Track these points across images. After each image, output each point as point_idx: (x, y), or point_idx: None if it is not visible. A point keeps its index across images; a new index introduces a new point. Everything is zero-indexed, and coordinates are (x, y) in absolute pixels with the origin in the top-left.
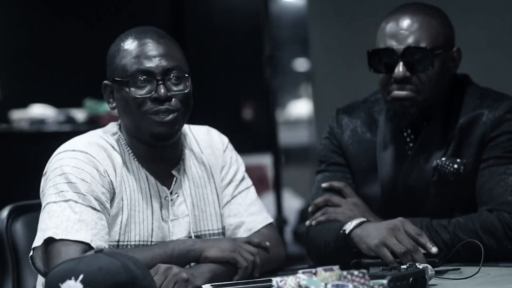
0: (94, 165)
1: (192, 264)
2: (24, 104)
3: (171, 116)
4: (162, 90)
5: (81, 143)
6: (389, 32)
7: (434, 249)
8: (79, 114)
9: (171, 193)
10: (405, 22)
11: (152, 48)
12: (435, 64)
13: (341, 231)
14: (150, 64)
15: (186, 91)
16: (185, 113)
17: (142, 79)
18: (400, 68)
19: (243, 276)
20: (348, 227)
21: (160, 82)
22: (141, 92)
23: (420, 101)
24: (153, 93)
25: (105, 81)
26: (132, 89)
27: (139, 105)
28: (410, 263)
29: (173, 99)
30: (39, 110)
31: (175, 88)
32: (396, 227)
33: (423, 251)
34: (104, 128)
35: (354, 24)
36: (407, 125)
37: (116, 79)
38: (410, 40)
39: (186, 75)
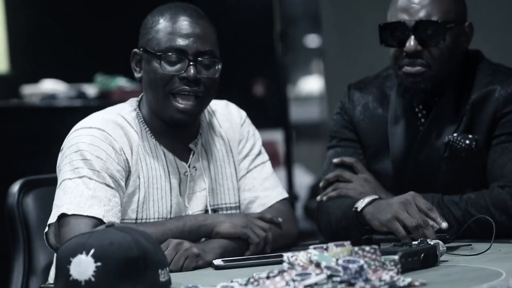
0: (110, 143)
1: (203, 239)
2: (35, 79)
3: (194, 102)
4: (192, 71)
5: (98, 120)
6: (401, 6)
7: (444, 224)
8: (90, 89)
9: (189, 167)
10: None
11: (188, 27)
12: (446, 38)
13: (353, 209)
14: (184, 43)
15: (215, 77)
16: (208, 100)
17: (174, 56)
18: (411, 42)
19: (254, 252)
20: (360, 204)
21: (192, 63)
22: (170, 69)
23: (431, 76)
24: (182, 72)
25: (136, 50)
26: (163, 64)
27: (166, 82)
28: (421, 239)
29: (201, 84)
30: (50, 85)
31: (205, 72)
32: (408, 201)
33: (435, 226)
34: (123, 104)
35: (365, 0)
36: (419, 101)
37: (148, 50)
38: (422, 14)
39: (218, 60)
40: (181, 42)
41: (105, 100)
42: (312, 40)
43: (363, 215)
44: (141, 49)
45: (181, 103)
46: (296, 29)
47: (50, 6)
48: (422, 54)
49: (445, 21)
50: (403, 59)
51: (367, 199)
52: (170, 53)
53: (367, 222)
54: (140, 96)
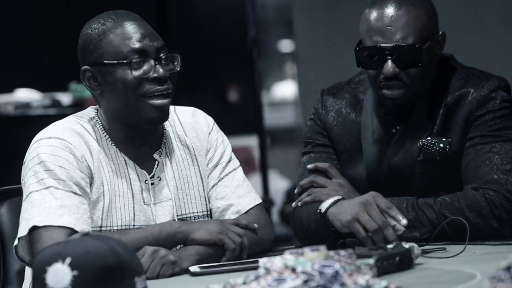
0: (71, 151)
1: (179, 246)
2: (9, 88)
3: (167, 99)
4: (161, 70)
5: (56, 129)
6: (376, 28)
7: (404, 221)
8: (65, 98)
9: (152, 177)
10: (390, 15)
11: (139, 28)
12: (424, 58)
13: (318, 211)
14: (143, 43)
15: (177, 69)
16: (173, 95)
17: (138, 58)
18: (389, 65)
19: (230, 258)
20: (324, 206)
21: (156, 62)
22: (137, 73)
23: (411, 95)
24: (150, 73)
25: (85, 67)
26: (128, 70)
27: (135, 86)
28: (397, 242)
29: (169, 80)
30: (24, 94)
31: (167, 67)
32: (368, 202)
33: (398, 227)
34: (81, 113)
35: (338, 5)
36: (399, 120)
37: (105, 62)
38: (398, 37)
39: (177, 54)
40: (139, 44)
41: (80, 108)
42: (285, 46)
43: (327, 216)
44: (94, 64)
45: (156, 102)
46: (269, 35)
47: (23, 15)
48: (400, 76)
49: (421, 41)
50: (381, 82)
51: (330, 200)
52: (133, 57)
53: (331, 223)
54: (97, 105)
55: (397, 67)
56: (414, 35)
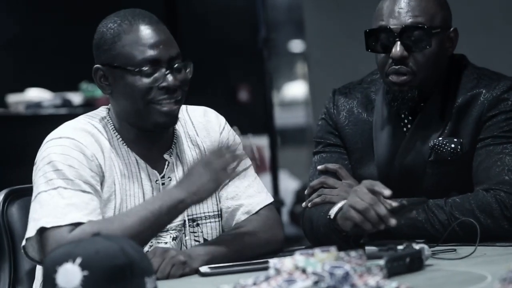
0: (81, 150)
1: (187, 237)
2: (20, 88)
3: (177, 106)
4: (171, 80)
5: (67, 129)
6: (386, 11)
7: (386, 192)
8: (75, 98)
9: (163, 177)
10: (403, 1)
11: (154, 34)
12: (432, 43)
13: (327, 217)
14: (155, 52)
15: (189, 78)
16: (183, 101)
17: (149, 68)
18: (397, 47)
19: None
20: (333, 211)
21: (168, 71)
22: (148, 81)
23: (417, 83)
24: (160, 82)
25: (97, 65)
26: (138, 77)
27: (145, 93)
28: (407, 243)
29: (180, 88)
30: (35, 94)
31: (179, 76)
32: (358, 187)
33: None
34: (92, 112)
35: (349, 4)
36: (406, 108)
37: (118, 65)
38: (408, 19)
39: (189, 62)
40: (152, 52)
41: (91, 108)
42: (296, 45)
43: (337, 221)
44: (106, 65)
45: (165, 109)
46: (280, 35)
47: (34, 14)
48: (408, 61)
49: (431, 26)
50: (390, 66)
51: (339, 205)
52: (144, 65)
53: (341, 228)
54: (109, 104)
55: (405, 51)
56: (425, 18)
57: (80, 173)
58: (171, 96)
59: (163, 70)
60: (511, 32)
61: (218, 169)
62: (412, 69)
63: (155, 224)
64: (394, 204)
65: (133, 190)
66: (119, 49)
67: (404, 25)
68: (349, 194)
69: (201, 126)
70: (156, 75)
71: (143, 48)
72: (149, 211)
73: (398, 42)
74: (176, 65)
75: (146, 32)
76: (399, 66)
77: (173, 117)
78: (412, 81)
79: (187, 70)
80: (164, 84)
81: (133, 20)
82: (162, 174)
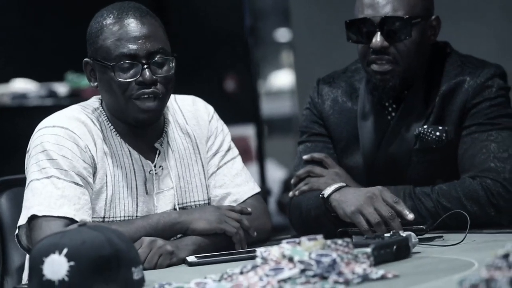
0: (75, 141)
1: (178, 236)
2: (5, 79)
3: (156, 102)
4: (148, 74)
5: (61, 118)
6: (367, 1)
7: (410, 216)
8: (61, 88)
9: (154, 166)
10: None
11: (135, 29)
12: (413, 33)
13: (320, 195)
14: (134, 47)
15: (170, 74)
16: (167, 97)
17: (126, 63)
18: (378, 38)
19: (239, 242)
20: (327, 191)
21: (146, 66)
22: (125, 76)
23: (399, 72)
24: (138, 76)
25: (86, 59)
26: (117, 73)
27: (124, 89)
28: (393, 231)
29: (158, 83)
30: (21, 85)
31: (160, 71)
32: (374, 195)
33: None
34: (86, 103)
35: None
36: (388, 97)
37: (99, 60)
38: (387, 9)
39: (171, 57)
40: (130, 47)
41: (77, 98)
42: (282, 34)
43: (330, 201)
44: (92, 58)
45: (143, 105)
46: (266, 23)
47: (18, 5)
48: (389, 50)
49: (411, 16)
50: (370, 55)
51: (334, 186)
52: (121, 61)
53: (333, 209)
54: (101, 96)
55: (385, 41)
56: (405, 9)
57: (74, 164)
58: (149, 91)
59: (140, 65)
60: (498, 20)
61: (225, 216)
62: (394, 58)
63: (150, 235)
64: (410, 217)
65: (125, 181)
66: (100, 43)
67: (383, 15)
68: (335, 181)
69: (190, 115)
70: (132, 70)
71: (120, 43)
72: (147, 223)
73: (378, 33)
74: (154, 59)
75: (127, 26)
76: (379, 56)
77: (153, 114)
78: (393, 70)
79: (170, 65)
80: (140, 79)
81: (117, 14)
82: (154, 163)
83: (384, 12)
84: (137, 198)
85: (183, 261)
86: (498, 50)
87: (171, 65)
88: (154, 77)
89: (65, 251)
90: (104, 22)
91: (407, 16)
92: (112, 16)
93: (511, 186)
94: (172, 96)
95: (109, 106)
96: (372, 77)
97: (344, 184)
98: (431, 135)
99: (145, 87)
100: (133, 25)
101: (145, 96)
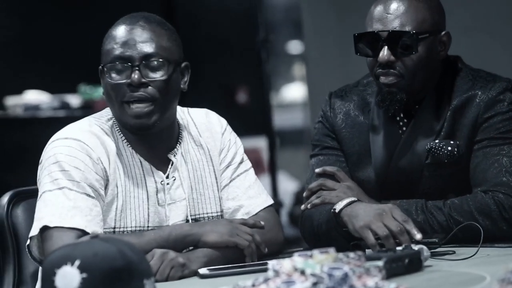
0: (87, 153)
1: (190, 248)
2: (18, 90)
3: (146, 108)
4: (136, 76)
5: (74, 130)
6: (376, 16)
7: (418, 236)
8: (74, 100)
9: (167, 177)
10: (392, 6)
11: (135, 34)
12: (419, 48)
13: (332, 210)
14: (127, 50)
15: (163, 78)
16: (164, 102)
17: (118, 65)
18: (384, 52)
19: (251, 257)
20: (339, 206)
21: (136, 68)
22: (117, 78)
23: (405, 86)
24: (128, 79)
25: (100, 66)
26: (109, 75)
27: (117, 92)
28: (406, 244)
29: (149, 87)
30: (34, 96)
31: (152, 75)
32: (384, 212)
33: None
34: (99, 114)
35: (347, 6)
36: (395, 110)
37: (101, 64)
38: (395, 24)
39: (166, 61)
40: (121, 49)
41: (89, 110)
42: (294, 47)
43: (341, 216)
44: (100, 65)
45: (134, 109)
46: (278, 36)
47: (32, 16)
48: (395, 65)
49: (419, 31)
50: (378, 69)
51: (346, 201)
52: (114, 62)
53: (344, 223)
54: None
55: (392, 55)
56: (412, 24)
57: (86, 175)
58: (138, 94)
59: (131, 67)
60: (508, 33)
61: (237, 229)
62: (400, 72)
63: (161, 248)
64: (418, 237)
65: (137, 192)
66: (103, 49)
67: (391, 30)
68: (347, 195)
69: (204, 127)
70: (124, 72)
71: (116, 46)
72: (159, 235)
73: (385, 47)
74: (146, 62)
75: (122, 31)
76: (386, 70)
77: (146, 119)
78: (399, 83)
79: (167, 70)
80: (128, 80)
81: (121, 21)
82: (166, 174)
83: (392, 26)
84: (148, 208)
85: (195, 273)
86: (509, 64)
87: (166, 70)
88: (144, 79)
89: (77, 263)
90: (111, 30)
91: (414, 32)
92: (120, 24)
93: None
94: (185, 109)
95: (113, 114)
96: (381, 89)
97: (355, 199)
98: (442, 150)
99: (133, 89)
100: (133, 31)
101: (134, 98)
